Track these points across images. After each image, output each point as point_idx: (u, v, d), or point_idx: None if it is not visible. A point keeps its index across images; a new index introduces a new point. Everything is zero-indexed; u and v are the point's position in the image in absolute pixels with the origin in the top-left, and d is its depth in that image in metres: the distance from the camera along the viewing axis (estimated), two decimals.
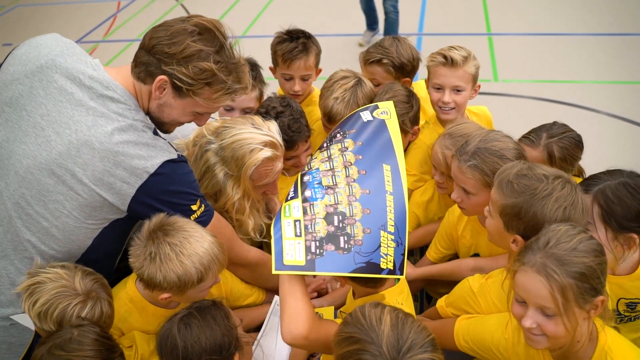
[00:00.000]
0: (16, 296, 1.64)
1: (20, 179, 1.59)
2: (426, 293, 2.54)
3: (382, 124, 1.65)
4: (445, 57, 2.20)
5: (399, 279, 1.59)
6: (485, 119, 2.51)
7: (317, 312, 1.98)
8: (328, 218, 1.45)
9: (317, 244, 1.41)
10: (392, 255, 1.43)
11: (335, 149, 1.61)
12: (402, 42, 2.51)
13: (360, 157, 1.56)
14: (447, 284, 2.02)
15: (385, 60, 2.45)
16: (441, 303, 1.85)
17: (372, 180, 1.52)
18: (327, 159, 1.58)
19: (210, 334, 1.43)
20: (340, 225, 1.44)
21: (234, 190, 1.90)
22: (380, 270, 1.42)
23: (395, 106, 2.16)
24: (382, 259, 1.42)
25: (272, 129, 1.93)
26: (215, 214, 1.80)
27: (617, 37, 5.89)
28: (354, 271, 1.40)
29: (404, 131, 2.23)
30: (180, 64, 1.57)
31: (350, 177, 1.52)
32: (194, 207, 1.69)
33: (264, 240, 2.04)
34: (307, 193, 1.50)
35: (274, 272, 1.40)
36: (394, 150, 1.57)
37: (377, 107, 1.71)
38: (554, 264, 1.27)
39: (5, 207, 1.62)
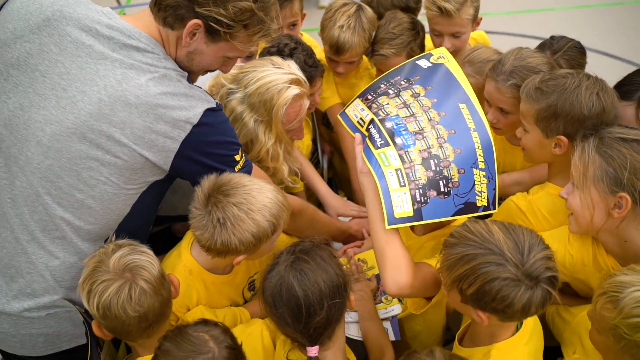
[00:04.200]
0: (54, 282, 1.49)
1: (44, 149, 1.41)
2: None
3: (443, 67, 1.63)
4: (439, 8, 2.16)
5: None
6: (484, 43, 2.51)
7: (358, 259, 1.95)
8: (425, 163, 1.44)
9: (421, 191, 1.40)
10: (486, 191, 1.44)
11: (407, 95, 1.57)
12: None
13: (435, 100, 1.55)
14: None
15: None
16: None
17: (454, 120, 1.51)
18: (402, 105, 1.54)
19: (327, 277, 1.30)
20: (437, 169, 1.43)
21: (266, 136, 1.83)
22: (476, 208, 1.43)
23: (401, 33, 2.19)
24: (477, 197, 1.43)
25: (292, 67, 1.86)
26: (253, 164, 1.70)
27: None
28: (455, 214, 1.41)
29: None
30: (217, 4, 1.42)
31: (433, 120, 1.50)
32: (237, 157, 1.59)
33: (296, 185, 2.00)
34: (398, 140, 1.47)
35: (387, 227, 1.36)
36: (464, 88, 1.56)
37: (431, 55, 1.69)
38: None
39: (30, 184, 1.43)
